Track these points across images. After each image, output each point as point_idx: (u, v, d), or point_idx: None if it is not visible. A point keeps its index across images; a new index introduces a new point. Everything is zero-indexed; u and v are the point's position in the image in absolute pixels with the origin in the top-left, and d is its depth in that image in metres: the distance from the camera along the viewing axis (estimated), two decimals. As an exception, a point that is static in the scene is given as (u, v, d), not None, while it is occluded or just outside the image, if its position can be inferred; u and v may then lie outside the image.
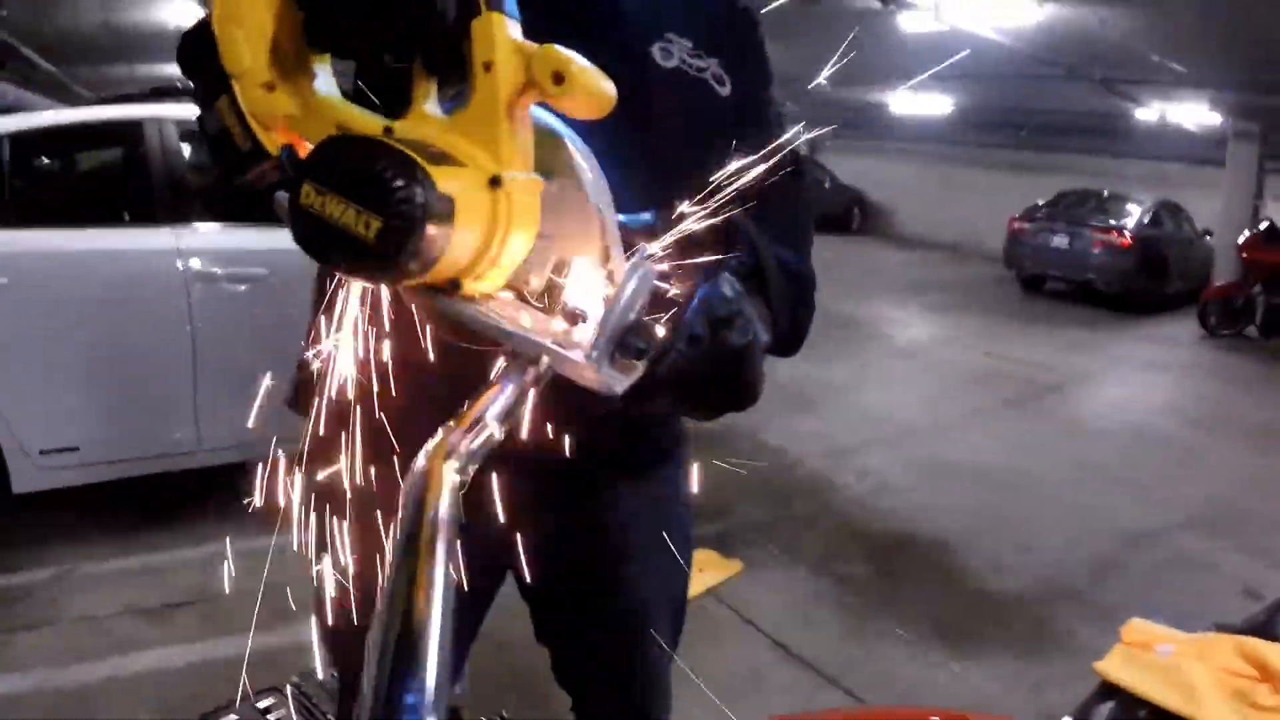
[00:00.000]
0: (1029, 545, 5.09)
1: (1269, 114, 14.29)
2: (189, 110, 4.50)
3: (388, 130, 0.85)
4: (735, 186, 1.02)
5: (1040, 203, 16.27)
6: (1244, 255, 12.79)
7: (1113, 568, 4.92)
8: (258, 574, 3.79)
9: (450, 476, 0.84)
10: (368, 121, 0.87)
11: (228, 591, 3.84)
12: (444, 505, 0.82)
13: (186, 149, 4.46)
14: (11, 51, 11.84)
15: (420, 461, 0.84)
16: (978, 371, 9.56)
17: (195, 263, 4.28)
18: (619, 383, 0.87)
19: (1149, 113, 15.83)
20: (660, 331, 0.91)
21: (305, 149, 0.89)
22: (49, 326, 4.06)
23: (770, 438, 6.50)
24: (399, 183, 0.73)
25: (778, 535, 4.94)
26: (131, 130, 4.43)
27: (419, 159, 0.75)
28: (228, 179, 0.95)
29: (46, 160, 4.72)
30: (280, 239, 3.65)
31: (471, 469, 0.86)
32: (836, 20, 10.76)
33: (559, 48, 0.80)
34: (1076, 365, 10.22)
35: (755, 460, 6.03)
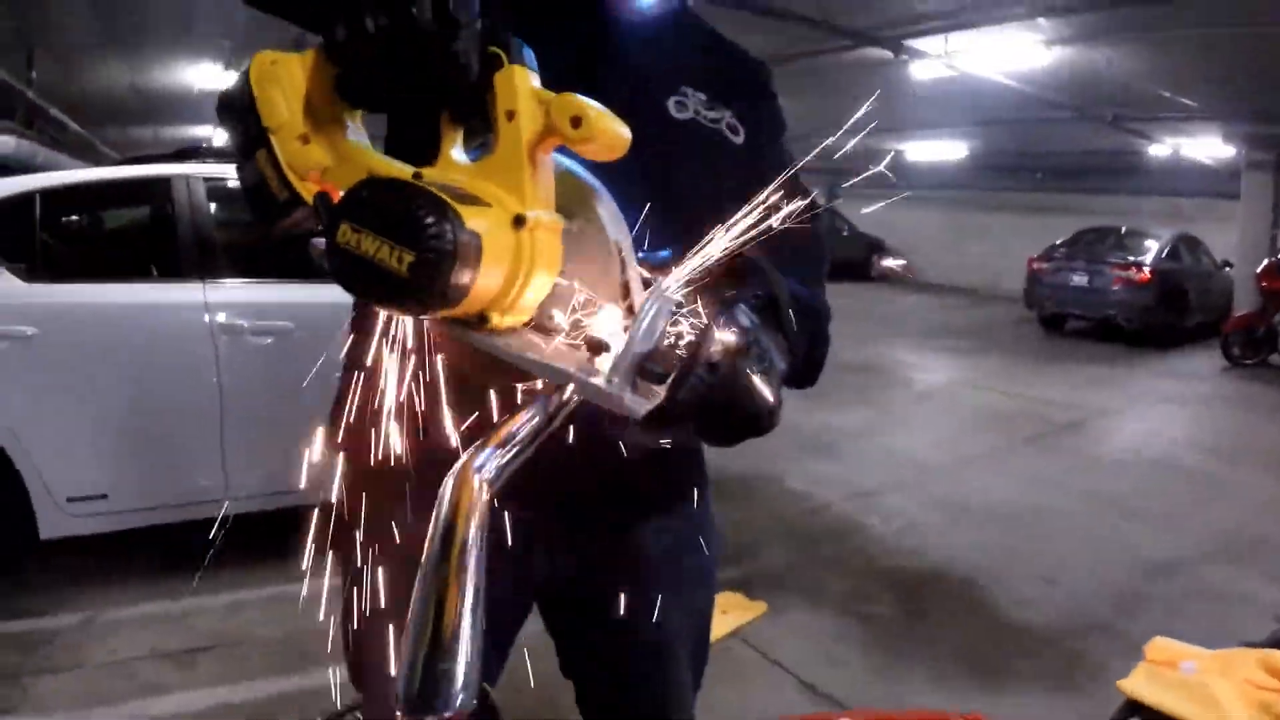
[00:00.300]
0: (1054, 579, 5.07)
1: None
2: (216, 169, 4.61)
3: (417, 175, 0.89)
4: (751, 227, 1.06)
5: (1059, 242, 16.29)
6: (1263, 284, 12.80)
7: (1138, 598, 4.91)
8: (280, 620, 3.86)
9: (481, 489, 0.88)
10: (398, 168, 0.93)
11: (252, 636, 3.89)
12: (475, 516, 0.87)
13: (213, 206, 4.57)
14: (41, 113, 12.05)
15: (451, 475, 0.89)
16: (998, 411, 9.56)
17: (222, 316, 4.36)
18: (641, 406, 0.92)
19: (1162, 148, 15.90)
20: (679, 358, 0.94)
21: (338, 196, 0.96)
22: (79, 377, 4.15)
23: (794, 483, 6.53)
24: (430, 220, 0.78)
25: (802, 577, 4.95)
26: (160, 187, 4.55)
27: (448, 199, 0.80)
28: (265, 227, 1.01)
29: (78, 216, 4.83)
30: (304, 293, 3.78)
31: (499, 483, 0.91)
32: (851, 72, 10.93)
33: (576, 95, 0.86)
34: (1097, 402, 10.20)
35: (779, 506, 6.08)
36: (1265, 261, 13.17)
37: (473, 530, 0.86)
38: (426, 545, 0.85)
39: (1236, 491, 7.08)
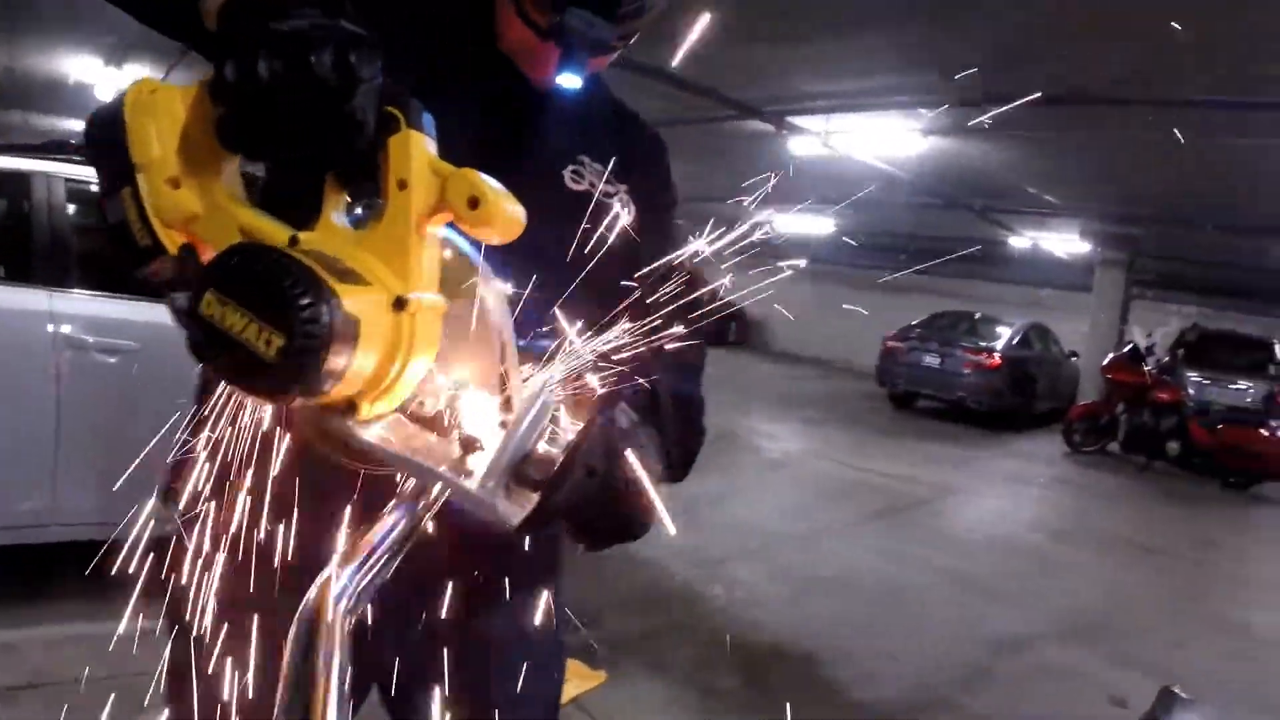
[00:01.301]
0: (898, 656, 5.11)
1: (1135, 243, 15.20)
2: (80, 169, 4.36)
3: (293, 240, 0.83)
4: (637, 314, 1.08)
5: (914, 323, 16.75)
6: (1108, 376, 13.38)
7: (981, 677, 4.97)
8: (106, 659, 3.60)
9: (340, 617, 0.82)
10: (273, 229, 0.86)
11: (76, 675, 3.62)
12: (335, 646, 0.81)
13: (72, 209, 4.30)
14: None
15: (310, 600, 0.83)
16: (848, 484, 9.68)
17: (67, 328, 4.09)
18: (514, 515, 0.87)
19: (1022, 240, 16.56)
20: (556, 461, 0.90)
21: (205, 251, 0.87)
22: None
23: (640, 549, 6.39)
24: (305, 300, 0.71)
25: (645, 646, 4.84)
26: (19, 183, 4.25)
27: (326, 276, 0.73)
28: (124, 270, 0.93)
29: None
30: (156, 313, 3.57)
31: (362, 606, 0.85)
32: (730, 142, 11.13)
33: (476, 172, 0.80)
34: (945, 480, 10.47)
35: (623, 573, 5.98)
36: (1111, 355, 13.77)
37: (332, 665, 0.80)
38: (280, 690, 0.79)
39: (1078, 573, 7.35)
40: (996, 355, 15.12)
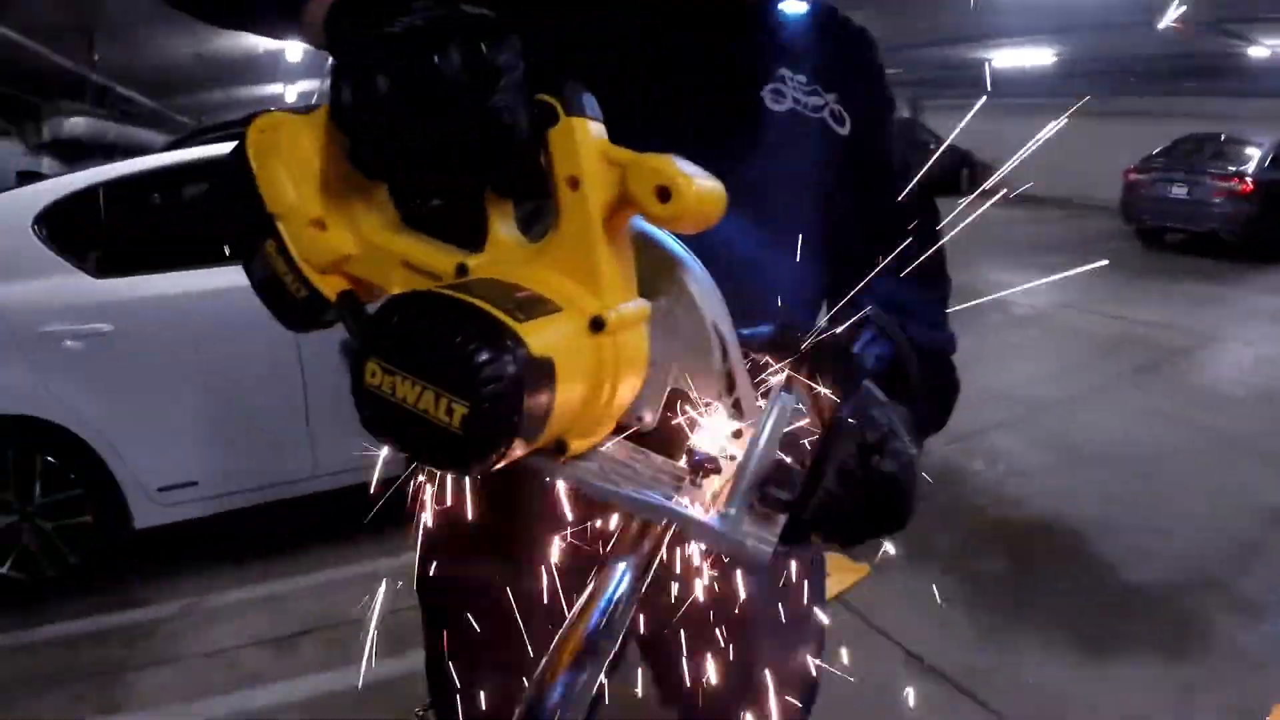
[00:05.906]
0: (1168, 530, 4.80)
1: None
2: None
3: (461, 268, 0.74)
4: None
5: (1155, 152, 15.66)
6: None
7: (1257, 552, 4.61)
8: (373, 598, 3.71)
9: None
10: (438, 257, 0.77)
11: (346, 618, 3.82)
12: None
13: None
14: (108, 91, 12.20)
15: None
16: (1102, 337, 9.16)
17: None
18: (761, 552, 0.73)
19: (1261, 49, 15.16)
20: (800, 469, 0.78)
21: (366, 290, 0.80)
22: (159, 368, 4.11)
23: (889, 426, 6.24)
24: (484, 355, 0.60)
25: (907, 532, 4.69)
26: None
27: (505, 319, 0.63)
28: (289, 328, 0.86)
29: (143, 204, 4.70)
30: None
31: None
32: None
33: (660, 156, 0.68)
34: (1205, 324, 9.73)
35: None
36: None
37: None
38: None
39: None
40: (1249, 179, 13.94)
